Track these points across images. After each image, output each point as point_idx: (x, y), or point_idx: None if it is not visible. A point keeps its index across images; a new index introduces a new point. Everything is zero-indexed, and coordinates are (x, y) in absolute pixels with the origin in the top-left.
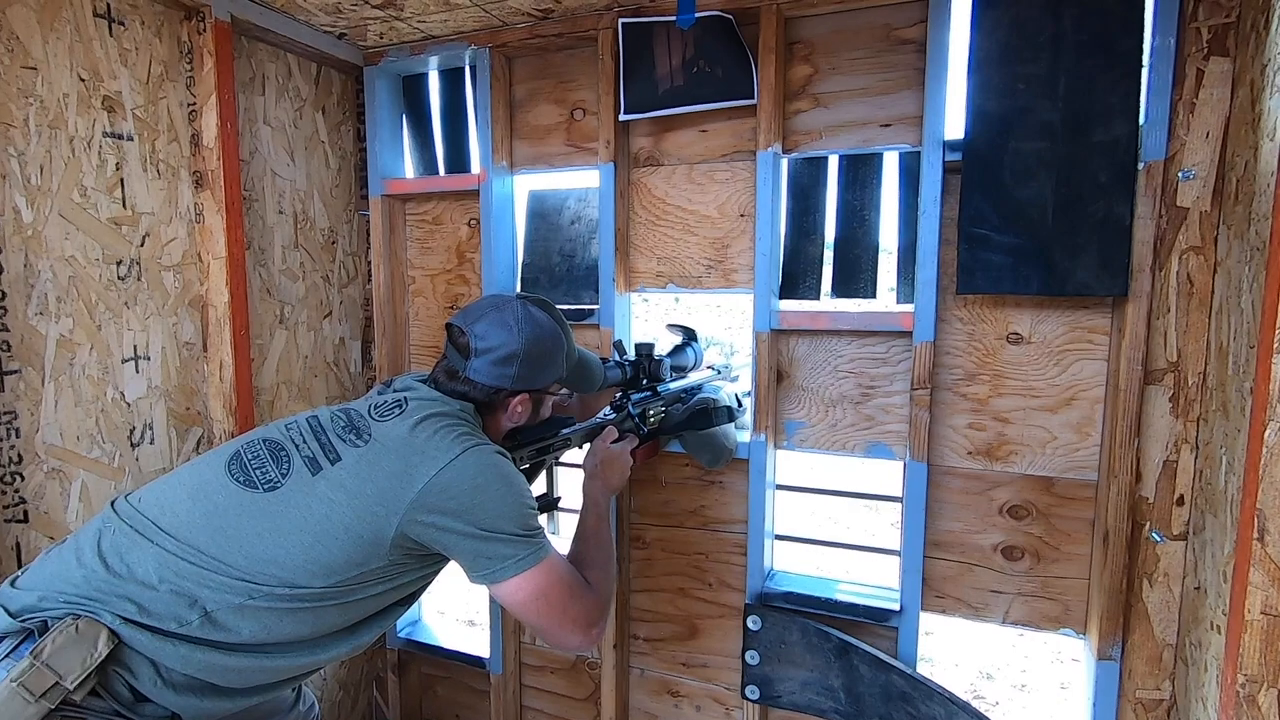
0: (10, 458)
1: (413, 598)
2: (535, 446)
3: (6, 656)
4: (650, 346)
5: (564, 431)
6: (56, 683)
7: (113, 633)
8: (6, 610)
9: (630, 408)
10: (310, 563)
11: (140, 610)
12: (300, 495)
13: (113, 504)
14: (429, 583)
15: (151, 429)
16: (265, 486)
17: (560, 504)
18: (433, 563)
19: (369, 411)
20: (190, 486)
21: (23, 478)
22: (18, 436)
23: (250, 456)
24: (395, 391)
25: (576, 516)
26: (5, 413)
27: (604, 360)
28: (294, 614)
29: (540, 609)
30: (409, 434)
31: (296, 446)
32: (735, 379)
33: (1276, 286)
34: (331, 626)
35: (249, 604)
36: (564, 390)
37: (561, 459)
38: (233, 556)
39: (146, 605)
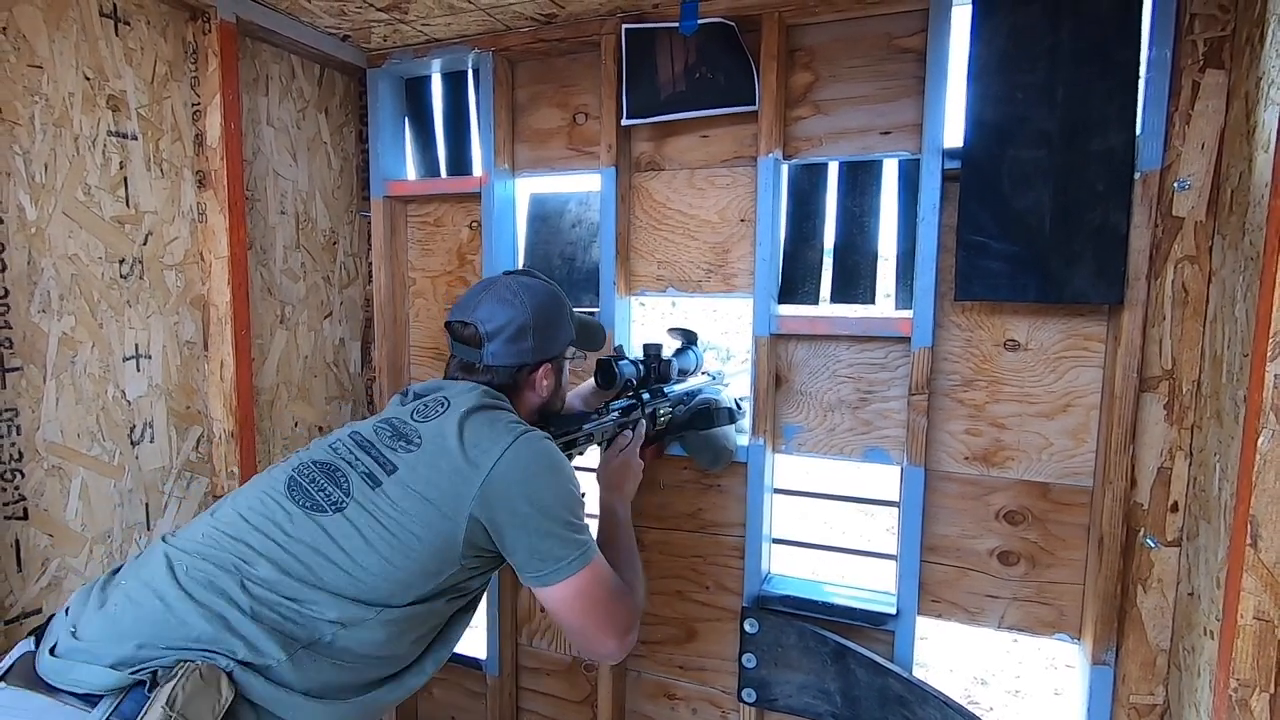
0: (11, 455)
1: (473, 604)
2: (562, 440)
3: (112, 712)
4: (658, 348)
5: (586, 426)
6: None
7: (229, 677)
8: (100, 664)
9: (643, 402)
10: (388, 580)
11: (249, 649)
12: (367, 514)
13: (164, 540)
14: (484, 590)
15: (151, 427)
16: (332, 508)
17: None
18: (493, 564)
19: (411, 416)
20: (257, 516)
21: (23, 475)
22: (18, 434)
23: (307, 480)
24: (422, 398)
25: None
26: (6, 410)
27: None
28: (380, 636)
29: (585, 608)
30: (458, 429)
31: (350, 464)
32: (727, 385)
33: (1270, 296)
34: (411, 653)
35: (341, 633)
36: (579, 353)
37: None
38: (319, 584)
39: (251, 643)
